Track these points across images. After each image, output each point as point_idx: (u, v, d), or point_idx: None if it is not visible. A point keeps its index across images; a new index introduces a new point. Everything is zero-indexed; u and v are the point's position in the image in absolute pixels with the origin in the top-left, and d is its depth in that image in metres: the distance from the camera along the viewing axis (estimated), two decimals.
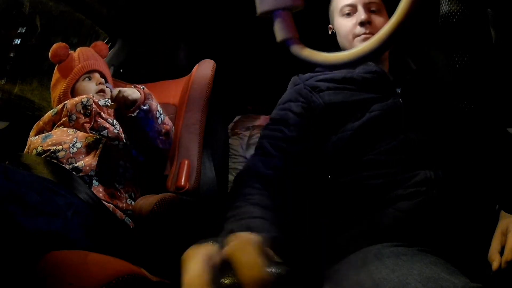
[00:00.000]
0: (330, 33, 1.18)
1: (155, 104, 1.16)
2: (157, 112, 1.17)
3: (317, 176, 0.99)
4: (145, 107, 1.10)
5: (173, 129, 1.29)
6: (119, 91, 1.06)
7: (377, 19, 1.05)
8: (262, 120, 2.06)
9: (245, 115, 2.17)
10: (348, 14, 1.08)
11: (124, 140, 1.21)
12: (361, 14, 1.04)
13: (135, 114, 1.08)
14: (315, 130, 1.00)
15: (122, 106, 1.08)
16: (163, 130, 1.20)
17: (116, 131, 1.22)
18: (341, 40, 1.11)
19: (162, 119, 1.20)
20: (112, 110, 1.26)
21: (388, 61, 1.10)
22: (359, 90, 0.99)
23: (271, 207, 0.83)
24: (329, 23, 1.19)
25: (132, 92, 1.09)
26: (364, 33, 1.04)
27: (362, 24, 1.04)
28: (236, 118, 2.16)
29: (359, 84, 1.00)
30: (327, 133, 0.98)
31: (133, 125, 1.11)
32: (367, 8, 1.06)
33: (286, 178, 0.98)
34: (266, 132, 1.05)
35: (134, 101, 1.08)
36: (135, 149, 1.21)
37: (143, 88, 1.14)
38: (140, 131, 1.13)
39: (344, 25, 1.09)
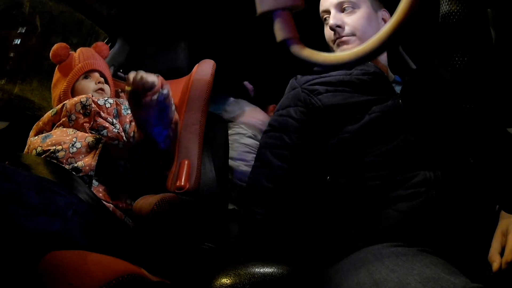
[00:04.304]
0: None
1: (170, 91, 1.14)
2: (172, 99, 1.15)
3: (317, 177, 0.99)
4: (164, 91, 1.08)
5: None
6: (137, 73, 1.04)
7: (350, 20, 1.02)
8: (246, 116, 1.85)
9: None
10: (327, 21, 1.07)
11: (124, 139, 1.21)
12: (330, 19, 1.03)
13: (156, 97, 1.06)
14: (315, 132, 1.00)
15: (140, 89, 1.04)
16: (174, 119, 1.20)
17: (116, 131, 1.21)
18: (330, 48, 1.11)
19: (173, 108, 1.19)
20: (113, 107, 1.27)
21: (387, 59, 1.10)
22: (357, 92, 0.98)
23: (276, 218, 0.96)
24: None
25: (148, 75, 1.05)
26: (336, 38, 1.03)
27: (331, 29, 1.03)
28: None
29: (356, 86, 0.99)
30: (327, 135, 0.98)
31: (149, 111, 1.08)
32: (339, 8, 1.04)
33: (288, 185, 0.99)
34: (266, 140, 1.05)
35: (153, 84, 1.06)
36: (141, 151, 1.21)
37: (157, 75, 1.13)
38: (155, 118, 1.11)
39: (325, 33, 1.09)
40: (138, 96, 1.05)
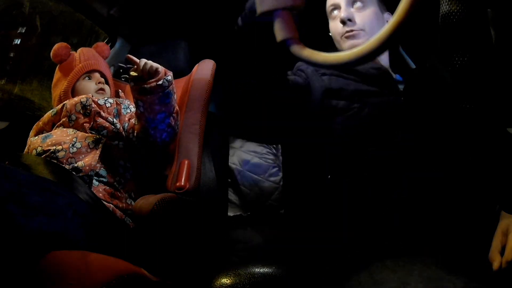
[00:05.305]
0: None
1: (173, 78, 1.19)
2: (175, 87, 1.20)
3: (316, 176, 0.99)
4: (168, 77, 1.14)
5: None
6: (142, 59, 1.11)
7: (360, 15, 1.02)
8: None
9: None
10: (334, 14, 1.07)
11: (124, 138, 1.21)
12: (341, 12, 1.03)
13: (161, 82, 1.12)
14: (312, 125, 0.99)
15: (145, 75, 1.11)
16: (176, 108, 1.22)
17: (116, 130, 1.21)
18: (335, 42, 1.10)
19: (175, 97, 1.23)
20: (113, 106, 1.27)
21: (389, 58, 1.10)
22: (361, 82, 0.98)
23: None
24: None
25: (153, 63, 1.14)
26: (346, 32, 1.02)
27: (342, 22, 1.02)
28: None
29: (362, 76, 0.99)
30: (325, 129, 0.97)
31: (153, 96, 1.13)
32: (350, 3, 1.04)
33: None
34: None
35: (157, 70, 1.13)
36: (141, 146, 1.21)
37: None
38: (158, 104, 1.14)
39: (332, 27, 1.08)
40: (144, 81, 1.11)
